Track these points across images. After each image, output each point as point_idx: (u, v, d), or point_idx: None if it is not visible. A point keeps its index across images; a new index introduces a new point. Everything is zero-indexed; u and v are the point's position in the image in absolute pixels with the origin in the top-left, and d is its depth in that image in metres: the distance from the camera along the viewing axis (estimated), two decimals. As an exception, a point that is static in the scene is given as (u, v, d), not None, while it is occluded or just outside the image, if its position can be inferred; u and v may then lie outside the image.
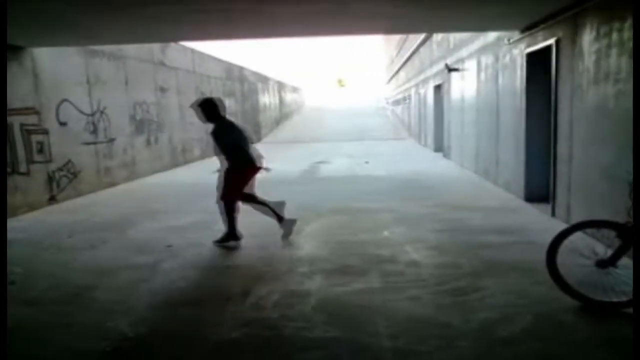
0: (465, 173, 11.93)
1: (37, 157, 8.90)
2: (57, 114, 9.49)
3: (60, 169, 9.56)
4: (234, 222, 6.11)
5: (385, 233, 6.55)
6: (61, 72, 9.65)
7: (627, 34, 4.98)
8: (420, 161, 15.32)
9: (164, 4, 5.73)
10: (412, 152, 18.81)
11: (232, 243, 6.11)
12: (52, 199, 9.28)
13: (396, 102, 35.35)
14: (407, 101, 26.92)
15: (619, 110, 5.18)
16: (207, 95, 18.00)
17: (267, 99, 29.79)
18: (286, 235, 6.30)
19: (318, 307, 4.18)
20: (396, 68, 34.52)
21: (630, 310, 3.79)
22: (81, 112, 10.28)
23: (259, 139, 24.88)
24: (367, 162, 15.07)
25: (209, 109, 6.04)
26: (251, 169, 6.10)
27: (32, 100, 8.79)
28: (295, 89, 46.25)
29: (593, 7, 5.70)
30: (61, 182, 9.56)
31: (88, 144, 10.53)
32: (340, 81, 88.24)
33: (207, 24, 6.98)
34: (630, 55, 4.94)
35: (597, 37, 5.60)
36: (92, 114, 10.70)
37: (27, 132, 8.64)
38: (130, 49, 12.25)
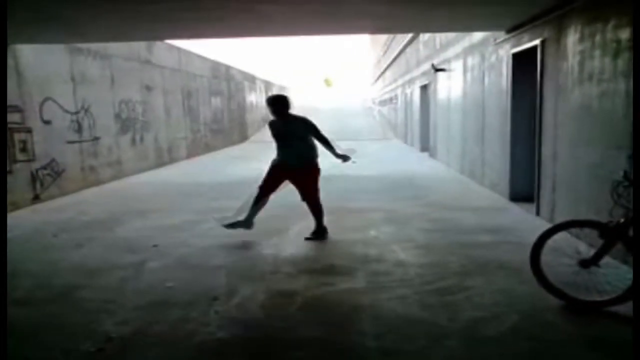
0: (452, 173, 12.00)
1: (20, 156, 8.79)
2: (41, 113, 9.38)
3: (44, 168, 9.45)
4: (321, 217, 6.29)
5: (373, 232, 6.57)
6: (45, 70, 9.53)
7: (611, 35, 5.04)
8: (406, 161, 15.38)
9: (159, 3, 5.70)
10: (398, 152, 18.89)
11: (323, 237, 6.25)
12: (36, 198, 9.17)
13: (383, 103, 35.43)
14: (394, 101, 27.00)
15: (603, 110, 5.24)
16: (193, 92, 17.99)
17: (254, 98, 29.69)
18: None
19: (304, 307, 4.18)
20: (383, 68, 34.60)
21: (613, 308, 3.85)
22: (65, 110, 10.17)
23: (245, 138, 24.80)
24: (354, 162, 15.06)
25: (282, 105, 6.11)
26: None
27: (14, 98, 8.67)
28: (282, 88, 46.13)
29: (578, 8, 5.76)
30: (45, 181, 9.46)
31: (72, 142, 10.42)
32: (327, 81, 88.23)
33: (200, 23, 6.94)
34: (613, 56, 5.00)
35: (582, 38, 5.66)
36: (77, 113, 10.59)
37: (9, 130, 8.53)
38: (116, 47, 12.12)
